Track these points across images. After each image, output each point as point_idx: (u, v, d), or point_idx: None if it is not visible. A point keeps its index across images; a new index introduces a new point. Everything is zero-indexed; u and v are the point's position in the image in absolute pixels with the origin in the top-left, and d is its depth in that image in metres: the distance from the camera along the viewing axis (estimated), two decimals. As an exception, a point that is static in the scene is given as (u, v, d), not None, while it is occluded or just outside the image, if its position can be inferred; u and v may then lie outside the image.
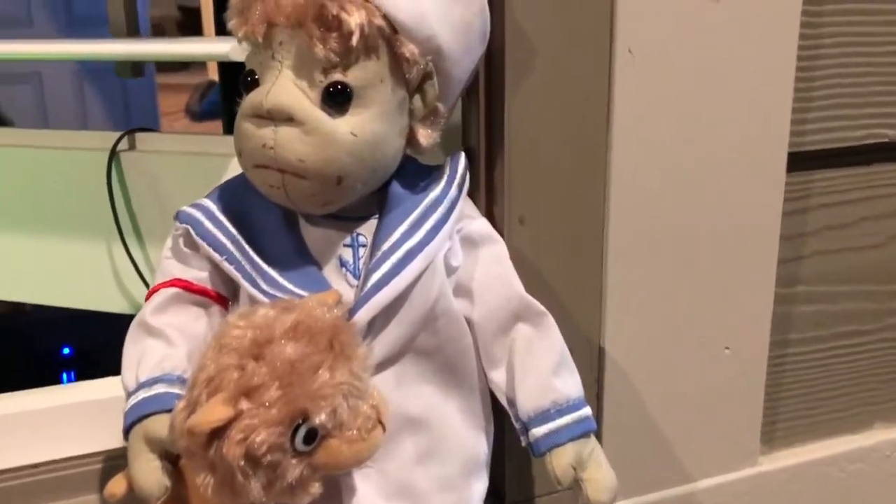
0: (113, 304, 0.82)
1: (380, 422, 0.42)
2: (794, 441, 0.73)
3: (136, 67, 0.87)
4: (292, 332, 0.40)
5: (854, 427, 0.74)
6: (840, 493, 0.73)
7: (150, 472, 0.44)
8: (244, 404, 0.38)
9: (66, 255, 0.82)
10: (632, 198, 0.58)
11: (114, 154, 0.78)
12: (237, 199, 0.51)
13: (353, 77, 0.45)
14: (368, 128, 0.46)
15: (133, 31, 0.89)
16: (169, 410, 0.43)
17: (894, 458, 0.75)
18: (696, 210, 0.60)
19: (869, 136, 0.66)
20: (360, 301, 0.46)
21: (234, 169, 0.74)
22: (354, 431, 0.41)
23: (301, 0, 0.44)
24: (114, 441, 0.57)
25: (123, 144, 0.79)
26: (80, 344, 1.29)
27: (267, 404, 0.38)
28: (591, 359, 0.60)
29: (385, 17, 0.45)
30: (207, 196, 0.52)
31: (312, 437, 0.40)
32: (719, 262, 0.62)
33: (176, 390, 0.46)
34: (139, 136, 0.79)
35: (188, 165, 0.76)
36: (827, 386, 0.73)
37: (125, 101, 2.03)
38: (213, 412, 0.38)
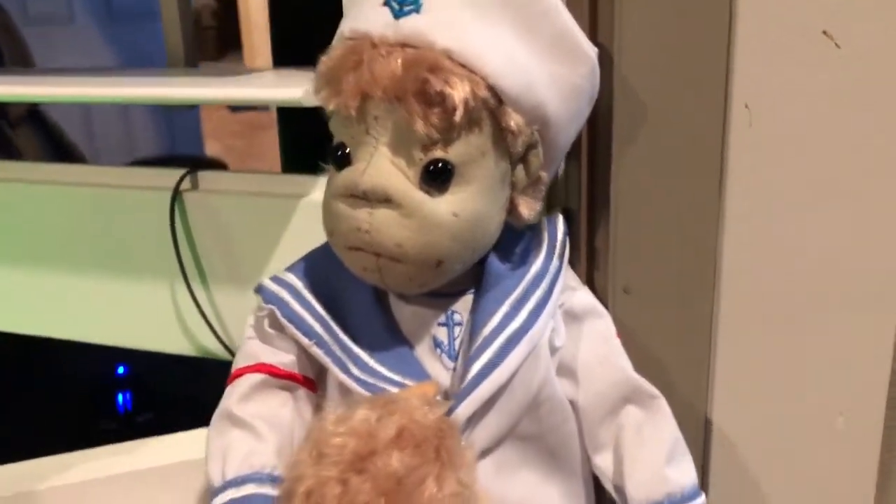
0: (176, 346, 0.81)
1: (488, 529, 0.40)
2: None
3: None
4: (396, 442, 0.39)
5: None
6: None
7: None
8: (348, 524, 0.36)
9: (129, 295, 0.81)
10: (745, 266, 0.53)
11: (177, 194, 0.75)
12: (324, 275, 0.48)
13: (454, 153, 0.42)
14: (470, 206, 0.43)
15: (192, 61, 0.86)
16: (262, 514, 0.42)
17: None
18: (816, 281, 0.54)
19: None
20: (462, 395, 0.44)
21: (301, 213, 0.73)
22: (464, 544, 0.38)
23: (399, 72, 0.40)
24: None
25: (186, 184, 0.76)
26: (135, 364, 1.28)
27: (373, 524, 0.36)
28: (697, 443, 0.55)
29: (490, 87, 0.41)
30: (291, 269, 0.50)
31: (422, 557, 0.37)
32: (835, 333, 0.56)
33: (267, 490, 0.44)
34: (202, 174, 0.77)
35: (250, 206, 0.74)
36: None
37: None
38: (316, 533, 0.36)
